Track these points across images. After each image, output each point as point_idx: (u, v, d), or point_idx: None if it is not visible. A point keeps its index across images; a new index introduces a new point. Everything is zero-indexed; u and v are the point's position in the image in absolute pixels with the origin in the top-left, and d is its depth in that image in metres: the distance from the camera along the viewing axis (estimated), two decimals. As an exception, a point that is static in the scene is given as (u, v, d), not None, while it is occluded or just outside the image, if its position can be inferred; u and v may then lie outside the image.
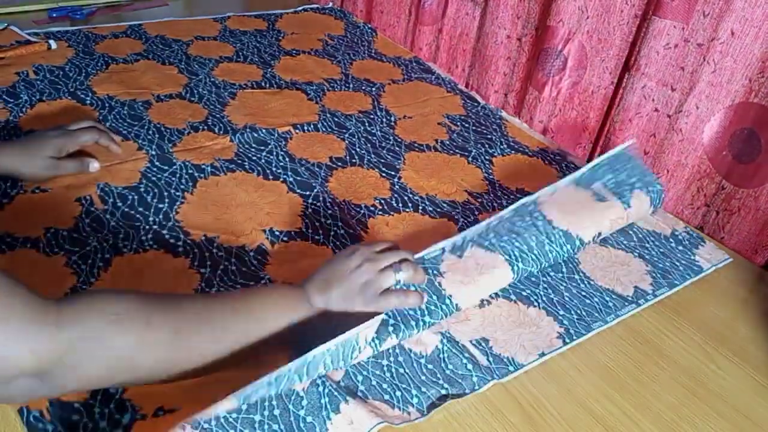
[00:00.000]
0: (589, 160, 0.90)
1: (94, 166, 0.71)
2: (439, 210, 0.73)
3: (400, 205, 0.72)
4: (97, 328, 0.40)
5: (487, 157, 0.84)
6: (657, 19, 0.75)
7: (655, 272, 0.67)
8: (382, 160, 0.80)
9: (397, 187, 0.76)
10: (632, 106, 0.81)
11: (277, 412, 0.44)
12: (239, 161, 0.76)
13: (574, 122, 0.92)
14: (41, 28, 1.06)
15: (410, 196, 0.74)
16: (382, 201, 0.73)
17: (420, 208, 0.72)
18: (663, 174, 0.80)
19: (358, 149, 0.82)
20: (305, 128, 0.85)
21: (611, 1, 0.82)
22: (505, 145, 0.88)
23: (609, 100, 0.87)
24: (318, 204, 0.71)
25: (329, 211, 0.69)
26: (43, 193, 0.66)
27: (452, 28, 1.09)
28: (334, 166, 0.78)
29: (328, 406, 0.46)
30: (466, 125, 0.92)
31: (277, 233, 0.66)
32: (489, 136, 0.90)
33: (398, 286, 0.54)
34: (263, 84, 0.95)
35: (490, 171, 0.82)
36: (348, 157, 0.80)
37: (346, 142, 0.83)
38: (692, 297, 0.65)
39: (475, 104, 0.98)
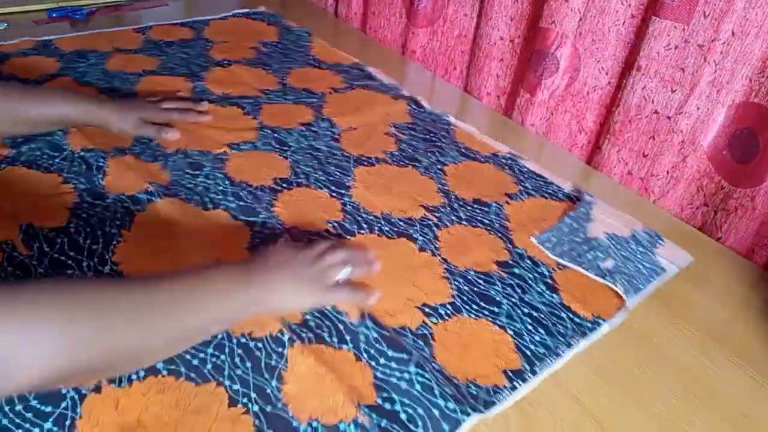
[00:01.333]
0: (588, 162, 0.89)
1: (173, 135, 0.78)
2: (395, 229, 0.68)
3: (355, 227, 0.68)
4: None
5: (439, 167, 0.81)
6: (657, 20, 0.74)
7: (622, 279, 0.65)
8: (331, 178, 0.75)
9: (349, 207, 0.71)
10: (632, 107, 0.81)
11: None
12: (174, 190, 0.69)
13: (568, 124, 0.91)
14: (40, 29, 1.04)
15: (364, 216, 0.70)
16: (336, 224, 0.68)
17: (376, 228, 0.68)
18: (662, 174, 0.80)
19: (303, 167, 0.77)
20: (242, 147, 0.79)
21: (606, 2, 0.81)
22: (456, 152, 0.85)
23: (607, 100, 0.86)
24: (266, 232, 0.65)
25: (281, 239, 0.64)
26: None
27: (449, 29, 1.06)
28: (279, 188, 0.72)
29: None
30: (414, 133, 0.88)
31: None
32: (438, 144, 0.86)
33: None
34: (193, 100, 0.88)
35: (444, 181, 0.78)
36: (293, 177, 0.75)
37: (290, 159, 0.78)
38: (692, 297, 0.66)
39: (421, 110, 0.94)
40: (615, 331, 0.59)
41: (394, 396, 0.50)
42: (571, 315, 0.60)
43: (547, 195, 0.78)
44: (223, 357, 0.51)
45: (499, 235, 0.70)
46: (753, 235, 0.74)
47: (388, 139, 0.85)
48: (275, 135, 0.82)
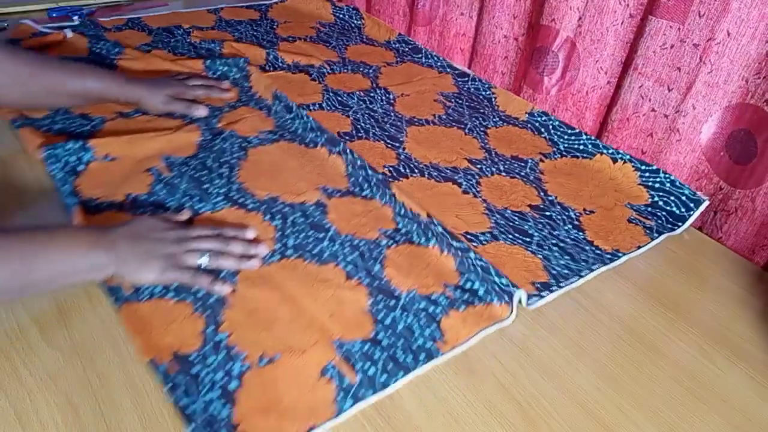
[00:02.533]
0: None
1: (200, 112, 0.84)
2: (443, 175, 0.79)
3: (408, 170, 0.79)
4: None
5: (481, 129, 0.91)
6: (654, 19, 0.76)
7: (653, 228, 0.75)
8: (386, 133, 0.87)
9: (402, 156, 0.82)
10: (630, 105, 0.83)
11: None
12: (279, 132, 0.85)
13: (569, 122, 0.94)
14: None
15: (415, 163, 0.81)
16: (391, 168, 0.79)
17: (426, 173, 0.79)
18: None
19: (363, 124, 0.88)
20: (311, 107, 0.91)
21: (605, 1, 0.82)
22: (497, 118, 0.95)
23: (606, 99, 0.89)
24: (359, 163, 0.76)
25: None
26: (113, 161, 0.74)
27: (446, 28, 1.13)
28: (342, 139, 0.84)
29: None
30: (460, 101, 0.99)
31: (330, 190, 0.74)
32: (481, 111, 0.97)
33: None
34: (267, 68, 1.01)
35: (486, 141, 0.89)
36: (354, 132, 0.86)
37: (351, 118, 0.90)
38: (691, 297, 0.66)
39: (466, 81, 1.05)
40: (615, 332, 0.60)
41: (472, 277, 0.63)
42: (593, 248, 0.70)
43: (578, 154, 0.88)
44: (335, 248, 0.65)
45: (534, 185, 0.80)
46: (753, 236, 0.74)
47: (436, 105, 0.96)
48: (338, 98, 0.94)
